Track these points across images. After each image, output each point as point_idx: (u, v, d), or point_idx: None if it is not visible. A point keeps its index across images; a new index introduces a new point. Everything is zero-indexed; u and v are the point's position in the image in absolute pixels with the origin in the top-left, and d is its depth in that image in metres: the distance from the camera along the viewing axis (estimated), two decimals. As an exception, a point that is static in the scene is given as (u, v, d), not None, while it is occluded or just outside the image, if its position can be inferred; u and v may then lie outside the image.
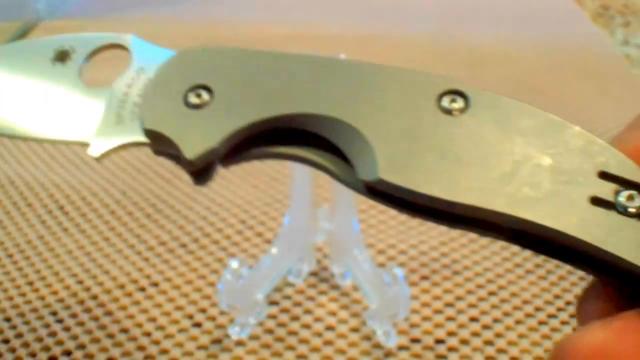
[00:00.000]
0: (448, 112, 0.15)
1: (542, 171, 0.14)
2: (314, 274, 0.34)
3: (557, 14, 0.76)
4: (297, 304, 0.32)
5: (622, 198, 0.14)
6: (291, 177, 0.31)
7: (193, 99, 0.16)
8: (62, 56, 0.19)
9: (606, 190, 0.14)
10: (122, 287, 0.33)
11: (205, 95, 0.16)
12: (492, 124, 0.15)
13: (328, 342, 0.30)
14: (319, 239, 0.33)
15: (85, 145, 0.17)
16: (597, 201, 0.14)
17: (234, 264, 0.31)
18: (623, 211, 0.14)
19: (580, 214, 0.14)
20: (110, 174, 0.43)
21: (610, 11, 0.77)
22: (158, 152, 0.17)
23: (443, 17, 0.75)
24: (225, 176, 0.43)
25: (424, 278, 0.34)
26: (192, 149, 0.16)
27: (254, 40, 0.67)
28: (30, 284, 0.34)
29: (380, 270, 0.31)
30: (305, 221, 0.32)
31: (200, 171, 0.16)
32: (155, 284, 0.34)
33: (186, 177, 0.45)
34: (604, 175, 0.14)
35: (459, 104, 0.15)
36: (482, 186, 0.14)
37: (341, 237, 0.32)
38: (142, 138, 0.17)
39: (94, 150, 0.17)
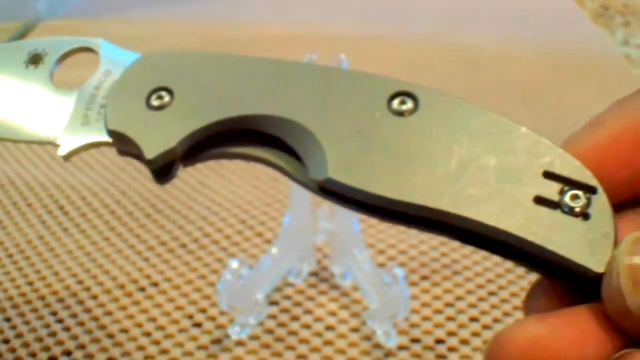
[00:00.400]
0: (398, 113, 0.15)
1: (487, 171, 0.15)
2: (314, 274, 0.34)
3: (557, 14, 0.76)
4: (297, 304, 0.32)
5: (567, 198, 0.14)
6: (291, 177, 0.31)
7: (154, 101, 0.17)
8: (35, 59, 0.19)
9: (551, 190, 0.14)
10: (122, 287, 0.33)
11: (166, 97, 0.17)
12: (440, 124, 0.15)
13: (328, 342, 0.30)
14: (319, 239, 0.33)
15: (53, 144, 0.18)
16: (541, 201, 0.14)
17: (234, 264, 0.31)
18: (568, 210, 0.14)
19: (525, 213, 0.14)
20: (110, 174, 0.43)
21: (610, 11, 0.77)
22: (122, 152, 0.18)
23: (443, 17, 0.75)
24: (225, 176, 0.43)
25: (424, 278, 0.34)
26: (151, 149, 0.16)
27: (254, 40, 0.67)
28: (30, 284, 0.34)
29: (380, 270, 0.31)
30: (305, 221, 0.32)
31: (162, 170, 0.17)
32: (155, 284, 0.34)
33: (186, 177, 0.45)
34: (549, 175, 0.15)
35: (409, 105, 0.16)
36: (428, 185, 0.15)
37: (341, 237, 0.32)
38: (107, 138, 0.17)
39: (61, 150, 0.17)
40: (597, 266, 0.14)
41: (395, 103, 0.16)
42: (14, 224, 0.39)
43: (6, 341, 0.30)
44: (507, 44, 0.66)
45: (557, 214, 0.14)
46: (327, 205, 0.33)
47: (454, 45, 0.66)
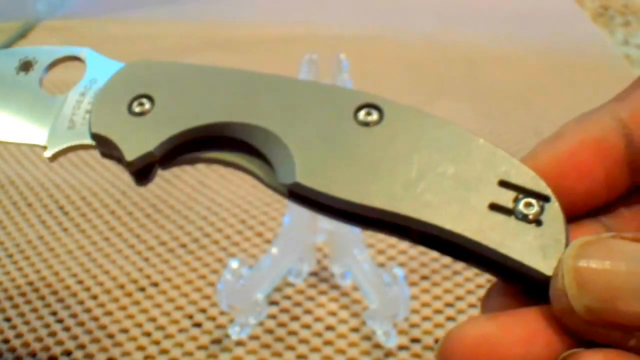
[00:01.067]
0: (363, 124, 0.16)
1: (445, 179, 0.15)
2: (314, 274, 0.34)
3: (557, 14, 0.76)
4: (297, 304, 0.32)
5: (521, 205, 0.15)
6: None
7: (136, 108, 0.18)
8: (25, 66, 0.20)
9: (505, 197, 0.15)
10: (122, 287, 0.33)
11: (147, 104, 0.18)
12: (402, 135, 0.16)
13: (328, 342, 0.30)
14: (319, 239, 0.33)
15: (39, 147, 0.19)
16: (496, 207, 0.15)
17: (234, 264, 0.31)
18: (521, 217, 0.15)
19: (480, 218, 0.15)
20: (110, 174, 0.43)
21: (610, 11, 0.77)
22: (104, 154, 0.19)
23: (443, 17, 0.75)
24: (225, 176, 0.43)
25: (424, 278, 0.34)
26: (131, 152, 0.17)
27: (254, 40, 0.67)
28: (30, 284, 0.34)
29: (380, 270, 0.31)
30: (305, 221, 0.32)
31: (140, 172, 0.18)
32: (155, 284, 0.34)
33: (186, 177, 0.45)
34: (504, 184, 0.15)
35: (374, 117, 0.16)
36: (389, 191, 0.15)
37: (341, 237, 0.32)
38: (90, 141, 0.18)
39: (47, 152, 0.18)
40: (548, 270, 0.14)
41: (362, 114, 0.17)
42: (14, 224, 0.39)
43: (6, 341, 0.30)
44: (507, 44, 0.66)
45: (511, 220, 0.15)
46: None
47: (454, 46, 0.66)
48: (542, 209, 0.15)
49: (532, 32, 0.70)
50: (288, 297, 0.33)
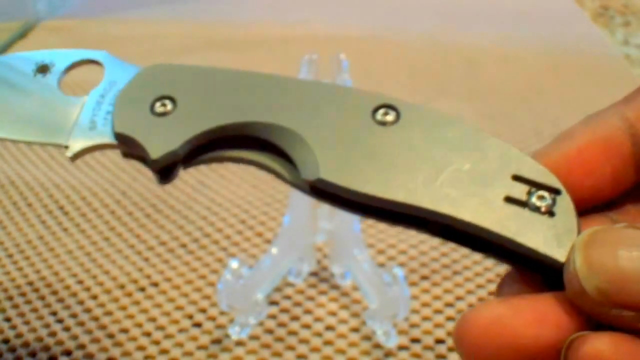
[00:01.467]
0: (381, 123, 0.17)
1: (461, 174, 0.16)
2: (314, 274, 0.34)
3: (557, 14, 0.76)
4: (297, 304, 0.32)
5: (534, 198, 0.16)
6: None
7: (159, 108, 0.18)
8: (42, 69, 0.21)
9: (519, 191, 0.16)
10: (122, 287, 0.33)
11: (169, 105, 0.18)
12: (419, 134, 0.17)
13: (328, 342, 0.30)
14: (319, 239, 0.33)
15: (60, 146, 0.19)
16: (510, 200, 0.16)
17: (234, 264, 0.31)
18: (534, 209, 0.16)
19: (496, 210, 0.16)
20: (110, 174, 0.43)
21: (610, 11, 0.77)
22: (126, 154, 0.19)
23: (443, 17, 0.75)
24: (225, 176, 0.43)
25: (424, 278, 0.34)
26: (156, 150, 0.18)
27: (254, 40, 0.67)
28: (31, 284, 0.34)
29: (380, 270, 0.31)
30: (305, 221, 0.32)
31: (164, 170, 0.18)
32: (155, 284, 0.34)
33: (186, 177, 0.45)
34: (517, 178, 0.16)
35: (391, 116, 0.17)
36: (410, 186, 0.16)
37: (341, 237, 0.32)
38: (113, 141, 0.19)
39: (69, 151, 0.19)
40: (561, 257, 0.15)
41: (379, 114, 0.17)
42: (14, 224, 0.39)
43: (6, 341, 0.30)
44: (507, 44, 0.66)
45: (526, 211, 0.16)
46: (327, 206, 0.33)
47: (454, 45, 0.66)
48: (554, 202, 0.16)
49: (532, 32, 0.70)
50: (288, 297, 0.33)
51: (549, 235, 0.16)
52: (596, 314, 0.14)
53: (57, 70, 0.21)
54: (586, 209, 0.17)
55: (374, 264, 0.32)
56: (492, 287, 0.33)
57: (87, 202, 0.40)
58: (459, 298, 0.33)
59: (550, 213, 0.16)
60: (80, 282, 0.34)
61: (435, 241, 0.37)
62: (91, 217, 0.39)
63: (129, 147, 0.18)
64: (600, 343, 0.14)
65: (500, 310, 0.15)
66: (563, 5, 0.79)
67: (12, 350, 0.30)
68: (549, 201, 0.16)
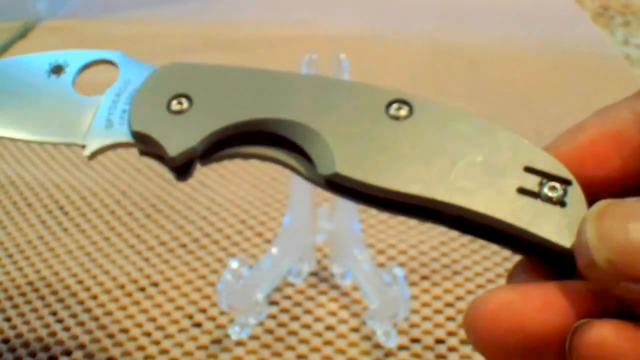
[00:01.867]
0: (395, 118, 0.18)
1: (474, 167, 0.17)
2: (314, 274, 0.34)
3: (557, 14, 0.76)
4: (297, 304, 0.32)
5: (546, 189, 0.16)
6: (291, 177, 0.31)
7: (175, 106, 0.18)
8: (56, 69, 0.21)
9: (531, 182, 0.17)
10: (122, 287, 0.33)
11: (185, 103, 0.18)
12: (432, 128, 0.17)
13: (328, 342, 0.30)
14: (319, 239, 0.33)
15: (77, 145, 0.19)
16: (523, 191, 0.16)
17: (234, 264, 0.31)
18: (546, 199, 0.16)
19: (509, 201, 0.16)
20: (110, 174, 0.43)
21: (610, 11, 0.77)
22: (143, 152, 0.19)
23: (443, 17, 0.75)
24: (225, 176, 0.43)
25: (424, 278, 0.34)
26: (174, 148, 0.18)
27: (254, 40, 0.67)
28: (30, 284, 0.34)
29: (380, 270, 0.31)
30: (305, 221, 0.32)
31: (182, 168, 0.19)
32: (155, 284, 0.34)
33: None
34: (529, 170, 0.17)
35: (404, 111, 0.18)
36: (424, 179, 0.17)
37: (341, 237, 0.32)
38: (130, 139, 0.19)
39: (86, 150, 0.19)
40: (572, 245, 0.16)
41: (393, 109, 0.18)
42: (14, 224, 0.39)
43: (6, 341, 0.30)
44: (507, 44, 0.66)
45: (538, 202, 0.16)
46: (327, 205, 0.33)
47: (454, 45, 0.66)
48: (565, 192, 0.16)
49: (532, 32, 0.70)
50: (288, 297, 0.33)
51: (561, 225, 0.16)
52: (605, 287, 0.15)
53: (71, 70, 0.21)
54: (596, 200, 0.17)
55: (374, 264, 0.32)
56: (492, 287, 0.33)
57: (87, 202, 0.40)
58: (459, 298, 0.33)
59: (561, 203, 0.16)
60: (80, 282, 0.34)
61: (435, 241, 0.37)
62: (91, 217, 0.39)
63: (146, 145, 0.19)
64: (604, 329, 0.14)
65: (510, 295, 0.15)
66: (563, 5, 0.79)
67: (12, 350, 0.30)
68: (560, 192, 0.16)
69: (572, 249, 0.16)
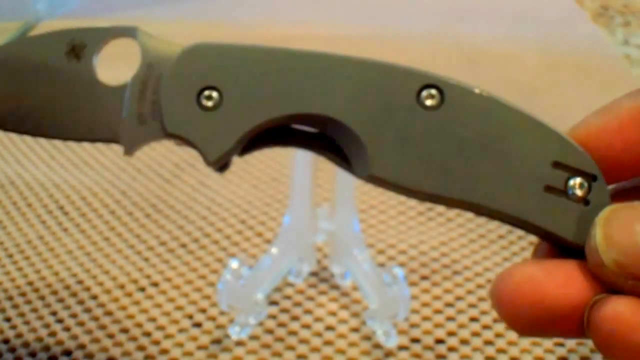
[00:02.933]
0: (426, 107, 0.18)
1: (505, 161, 0.17)
2: (314, 274, 0.34)
3: (557, 14, 0.76)
4: (297, 304, 0.32)
5: (572, 185, 0.17)
6: (291, 177, 0.31)
7: (205, 102, 0.18)
8: (75, 51, 0.20)
9: (559, 178, 0.17)
10: (122, 287, 0.33)
11: (215, 97, 0.18)
12: (463, 117, 0.17)
13: (328, 342, 0.30)
14: (319, 239, 0.33)
15: (112, 143, 0.19)
16: (549, 189, 0.17)
17: (234, 264, 0.31)
18: (571, 197, 0.17)
19: (537, 200, 0.17)
20: (110, 174, 0.43)
21: (610, 11, 0.77)
22: (179, 143, 0.19)
23: (443, 17, 0.75)
24: (225, 176, 0.43)
25: (424, 278, 0.34)
26: (212, 153, 0.18)
27: (254, 40, 0.67)
28: (30, 284, 0.34)
29: (380, 270, 0.31)
30: (305, 221, 0.32)
31: (220, 168, 0.19)
32: (155, 284, 0.34)
33: (186, 177, 0.45)
34: (558, 165, 0.17)
35: (435, 100, 0.18)
36: (454, 179, 0.17)
37: (341, 237, 0.32)
38: (164, 136, 0.19)
39: (125, 149, 0.19)
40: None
41: (423, 97, 0.18)
42: (14, 224, 0.39)
43: (6, 341, 0.30)
44: (507, 43, 0.66)
45: (562, 200, 0.17)
46: (327, 205, 0.33)
47: (454, 45, 0.66)
48: (590, 189, 0.17)
49: (532, 32, 0.70)
50: (288, 297, 0.33)
51: (580, 224, 0.17)
52: (614, 285, 0.16)
53: (90, 52, 0.20)
54: (621, 181, 0.18)
55: (374, 264, 0.32)
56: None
57: (87, 202, 0.40)
58: (459, 298, 0.33)
59: (585, 201, 0.17)
60: (80, 282, 0.34)
61: (435, 241, 0.37)
62: (91, 217, 0.39)
63: (183, 143, 0.19)
64: (620, 305, 0.15)
65: (534, 270, 0.16)
66: (563, 5, 0.79)
67: (12, 350, 0.30)
68: (585, 188, 0.17)
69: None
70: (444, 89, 0.18)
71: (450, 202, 0.18)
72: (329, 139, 0.19)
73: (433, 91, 0.18)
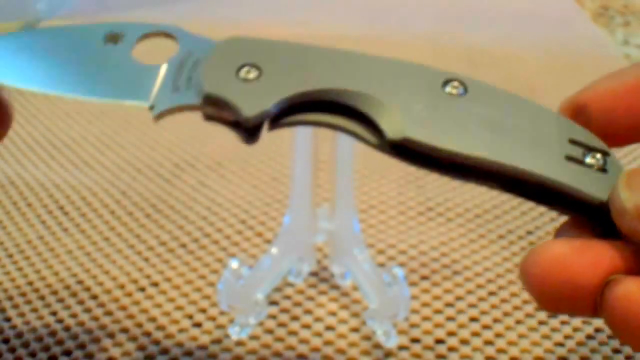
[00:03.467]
0: (451, 95, 0.20)
1: (528, 137, 0.19)
2: (314, 274, 0.34)
3: (557, 14, 0.76)
4: (297, 304, 0.32)
5: (589, 158, 0.19)
6: (291, 177, 0.31)
7: (245, 74, 0.19)
8: (113, 38, 0.21)
9: (576, 152, 0.19)
10: (122, 287, 0.33)
11: (254, 72, 0.19)
12: (486, 104, 0.20)
13: (328, 342, 0.30)
14: (319, 239, 0.33)
15: (142, 107, 0.20)
16: (570, 158, 0.19)
17: (234, 264, 0.31)
18: (590, 166, 0.19)
19: (559, 166, 0.19)
20: (110, 174, 0.43)
21: (610, 11, 0.77)
22: (209, 117, 0.20)
23: (443, 17, 0.75)
24: (225, 176, 0.43)
25: (424, 278, 0.34)
26: (249, 109, 0.19)
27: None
28: (30, 284, 0.34)
29: (380, 270, 0.31)
30: (305, 221, 0.32)
31: (252, 130, 0.19)
32: (155, 284, 0.34)
33: (186, 177, 0.45)
34: (573, 142, 0.19)
35: (460, 89, 0.20)
36: (486, 144, 0.18)
37: (341, 237, 0.32)
38: (197, 103, 0.19)
39: (154, 110, 0.20)
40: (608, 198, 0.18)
41: (449, 86, 0.20)
42: (14, 224, 0.39)
43: (6, 341, 0.30)
44: (507, 44, 0.66)
45: (583, 167, 0.19)
46: (327, 205, 0.33)
47: (453, 45, 0.66)
48: (605, 162, 0.19)
49: (532, 32, 0.70)
50: (288, 297, 0.33)
51: (601, 185, 0.18)
52: (635, 234, 0.17)
53: (128, 40, 0.21)
54: (618, 146, 0.20)
55: (374, 264, 0.32)
56: (492, 287, 0.33)
57: (87, 202, 0.40)
58: (459, 298, 0.33)
59: (603, 170, 0.19)
60: (80, 282, 0.34)
61: (435, 241, 0.37)
62: (91, 217, 0.39)
63: (216, 108, 0.19)
64: (632, 285, 0.16)
65: (564, 250, 0.17)
66: (563, 5, 0.79)
67: (12, 350, 0.30)
68: (601, 161, 0.19)
69: (607, 202, 0.18)
70: (466, 82, 0.20)
71: (478, 169, 0.18)
72: (361, 117, 0.20)
73: (456, 83, 0.20)
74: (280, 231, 0.34)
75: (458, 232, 0.37)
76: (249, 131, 0.19)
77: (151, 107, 0.20)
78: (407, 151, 0.19)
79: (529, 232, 0.38)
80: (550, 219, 0.39)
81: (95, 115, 0.51)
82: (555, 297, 0.17)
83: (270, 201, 0.40)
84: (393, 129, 0.19)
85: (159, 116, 0.20)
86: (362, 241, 0.33)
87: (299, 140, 0.30)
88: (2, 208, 0.40)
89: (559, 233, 0.19)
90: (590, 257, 0.17)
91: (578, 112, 0.20)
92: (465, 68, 0.61)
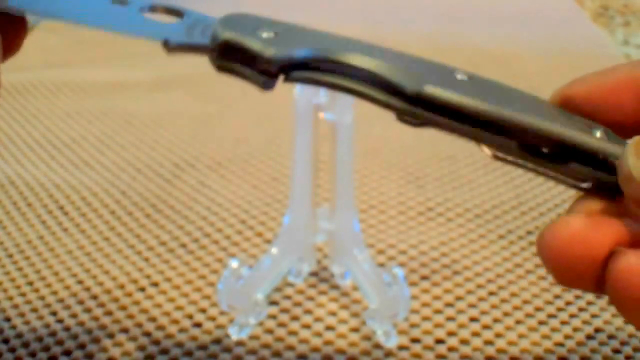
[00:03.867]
0: (460, 79, 0.20)
1: (541, 108, 0.20)
2: (314, 274, 0.34)
3: (557, 14, 0.76)
4: (297, 304, 0.32)
5: (597, 132, 0.19)
6: (291, 177, 0.31)
7: (260, 33, 0.20)
8: (120, 1, 0.21)
9: (583, 123, 0.20)
10: (122, 287, 0.33)
11: (270, 33, 0.20)
12: (490, 87, 0.21)
13: (328, 342, 0.30)
14: (319, 239, 0.33)
15: (157, 41, 0.20)
16: (580, 129, 0.19)
17: (234, 264, 0.31)
18: (596, 134, 0.19)
19: (577, 129, 0.19)
20: (110, 174, 0.43)
21: (610, 11, 0.77)
22: (221, 66, 0.20)
23: (443, 17, 0.75)
24: (225, 176, 0.43)
25: (424, 278, 0.34)
26: (268, 52, 0.19)
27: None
28: (30, 284, 0.34)
29: (380, 270, 0.31)
30: (305, 221, 0.32)
31: (272, 74, 0.20)
32: (155, 284, 0.34)
33: (186, 177, 0.45)
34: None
35: (465, 78, 0.20)
36: (504, 105, 0.19)
37: (341, 237, 0.32)
38: (211, 45, 0.20)
39: (168, 42, 0.20)
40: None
41: (456, 74, 0.20)
42: (14, 224, 0.39)
43: (6, 341, 0.30)
44: (507, 44, 0.66)
45: (590, 134, 0.19)
46: (327, 205, 0.33)
47: (454, 45, 0.66)
48: (609, 135, 0.19)
49: (532, 32, 0.70)
50: (288, 297, 0.33)
51: (609, 148, 0.19)
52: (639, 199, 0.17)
53: (135, 4, 0.21)
54: None
55: (374, 264, 0.32)
56: (492, 287, 0.33)
57: (87, 202, 0.40)
58: (459, 298, 0.33)
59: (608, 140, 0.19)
60: (80, 282, 0.34)
61: (435, 241, 0.37)
62: (91, 217, 0.39)
63: (230, 54, 0.20)
64: (634, 258, 0.16)
65: (582, 226, 0.17)
66: (563, 5, 0.79)
67: (12, 350, 0.30)
68: (606, 136, 0.19)
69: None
70: (470, 74, 0.21)
71: (494, 122, 0.19)
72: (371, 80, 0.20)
73: (462, 73, 0.21)
74: (280, 231, 0.34)
75: (458, 232, 0.37)
76: (268, 74, 0.20)
77: (165, 42, 0.20)
78: (424, 104, 0.19)
79: (529, 232, 0.38)
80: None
81: (95, 115, 0.51)
82: (574, 271, 0.17)
83: (270, 201, 0.40)
84: (413, 81, 0.19)
85: (172, 49, 0.20)
86: (362, 241, 0.33)
87: (299, 140, 0.30)
88: (2, 208, 0.40)
89: (572, 207, 0.20)
90: (609, 236, 0.17)
91: (566, 105, 0.20)
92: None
